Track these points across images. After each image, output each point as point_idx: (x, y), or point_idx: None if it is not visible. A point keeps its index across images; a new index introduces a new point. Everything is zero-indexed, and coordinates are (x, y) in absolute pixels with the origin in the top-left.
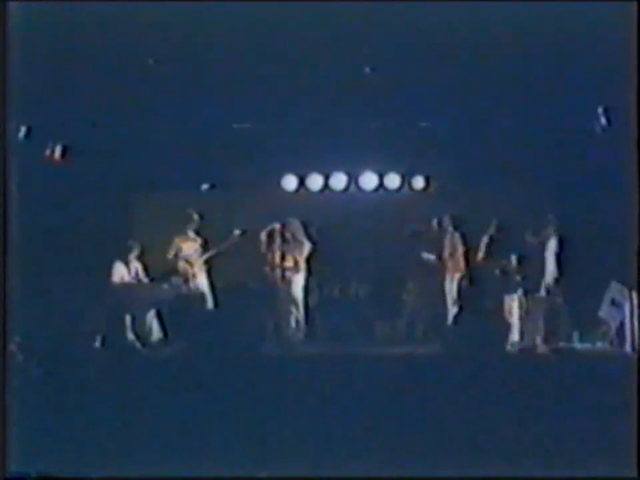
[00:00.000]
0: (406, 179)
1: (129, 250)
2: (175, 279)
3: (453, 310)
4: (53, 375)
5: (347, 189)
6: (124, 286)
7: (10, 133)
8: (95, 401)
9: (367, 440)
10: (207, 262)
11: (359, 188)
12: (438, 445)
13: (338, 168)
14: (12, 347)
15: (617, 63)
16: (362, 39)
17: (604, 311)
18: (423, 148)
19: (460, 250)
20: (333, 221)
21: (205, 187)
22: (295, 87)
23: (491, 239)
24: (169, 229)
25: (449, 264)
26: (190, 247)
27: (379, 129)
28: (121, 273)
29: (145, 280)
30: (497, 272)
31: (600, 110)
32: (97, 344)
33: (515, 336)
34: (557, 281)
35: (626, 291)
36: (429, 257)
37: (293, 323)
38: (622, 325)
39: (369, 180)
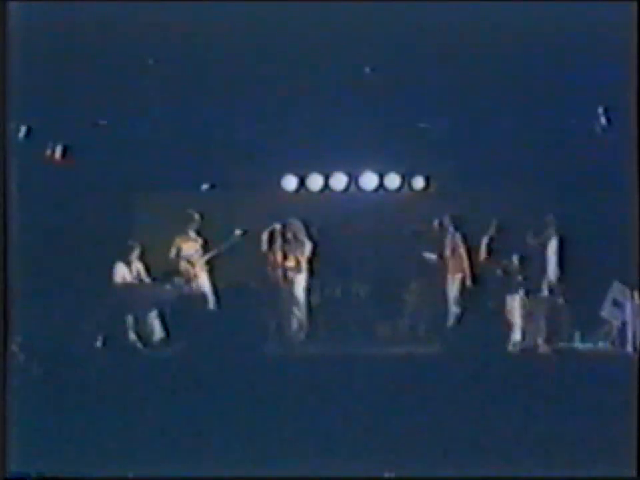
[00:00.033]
0: (406, 179)
1: (130, 250)
2: (177, 279)
3: (454, 310)
4: (53, 375)
5: (347, 189)
6: (125, 286)
7: (10, 133)
8: (96, 401)
9: (368, 440)
10: (208, 262)
11: (359, 188)
12: (439, 445)
13: (338, 168)
14: (13, 347)
15: (617, 63)
16: (362, 39)
17: (606, 311)
18: (423, 148)
19: (461, 250)
20: (334, 221)
21: (205, 187)
22: (295, 87)
23: (491, 239)
24: (169, 229)
25: (450, 264)
26: (191, 247)
27: (379, 129)
28: (122, 273)
29: (147, 280)
30: (499, 272)
31: (600, 110)
32: (99, 344)
33: (516, 336)
34: (558, 281)
35: (628, 291)
36: (431, 256)
37: (295, 323)
38: (624, 325)
39: (369, 180)
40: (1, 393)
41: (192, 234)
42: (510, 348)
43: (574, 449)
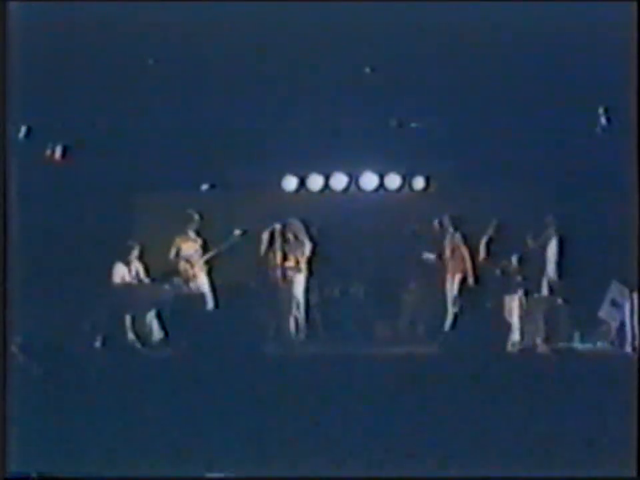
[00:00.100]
0: (406, 179)
1: (129, 250)
2: (176, 279)
3: (453, 310)
4: (53, 375)
5: (347, 189)
6: (124, 286)
7: (10, 133)
8: (96, 401)
9: (367, 440)
10: (207, 262)
11: (359, 188)
12: (438, 445)
13: (338, 168)
14: (13, 347)
15: (617, 62)
16: (362, 39)
17: (604, 311)
18: (423, 148)
19: (462, 250)
20: (333, 222)
21: (204, 187)
22: (295, 87)
23: (491, 239)
24: (169, 229)
25: (450, 264)
26: (190, 247)
27: (379, 129)
28: (121, 273)
29: (146, 280)
30: (498, 272)
31: (600, 110)
32: (98, 344)
33: (515, 336)
34: (557, 281)
35: (626, 291)
36: (429, 256)
37: (294, 323)
38: (622, 325)
39: (369, 180)
40: (1, 393)
41: (192, 234)
42: (509, 348)
43: (574, 449)
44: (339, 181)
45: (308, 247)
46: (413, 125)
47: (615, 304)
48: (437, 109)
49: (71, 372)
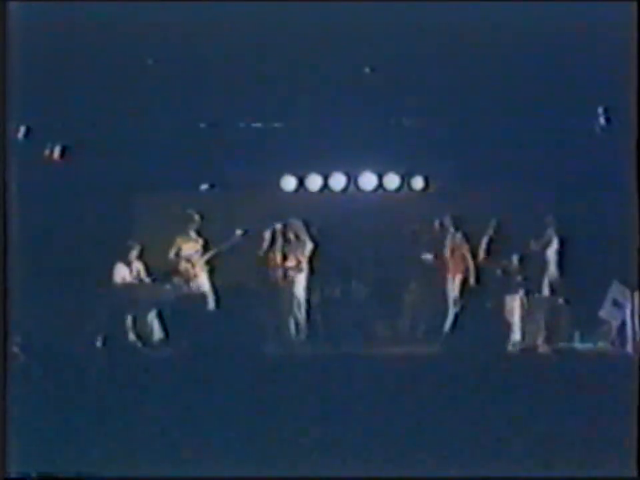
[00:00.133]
0: (405, 179)
1: (129, 250)
2: (177, 279)
3: (453, 310)
4: (54, 375)
5: (346, 189)
6: (125, 286)
7: (10, 133)
8: (96, 401)
9: (367, 440)
10: (208, 262)
11: (358, 188)
12: (438, 445)
13: (337, 168)
14: (13, 347)
15: (617, 62)
16: (362, 39)
17: (605, 311)
18: (423, 148)
19: (461, 250)
20: (333, 222)
21: (204, 187)
22: (294, 87)
23: (491, 239)
24: (169, 230)
25: (450, 264)
26: (191, 247)
27: (379, 129)
28: (122, 273)
29: (147, 280)
30: (498, 272)
31: (600, 110)
32: (99, 344)
33: (516, 336)
34: (558, 281)
35: (627, 291)
36: (427, 257)
37: (294, 323)
38: (623, 325)
39: (368, 180)
40: (1, 393)
41: (192, 234)
42: (509, 348)
43: (574, 449)
44: (338, 181)
45: (309, 247)
46: (406, 123)
47: (615, 304)
48: (436, 108)
49: (72, 372)
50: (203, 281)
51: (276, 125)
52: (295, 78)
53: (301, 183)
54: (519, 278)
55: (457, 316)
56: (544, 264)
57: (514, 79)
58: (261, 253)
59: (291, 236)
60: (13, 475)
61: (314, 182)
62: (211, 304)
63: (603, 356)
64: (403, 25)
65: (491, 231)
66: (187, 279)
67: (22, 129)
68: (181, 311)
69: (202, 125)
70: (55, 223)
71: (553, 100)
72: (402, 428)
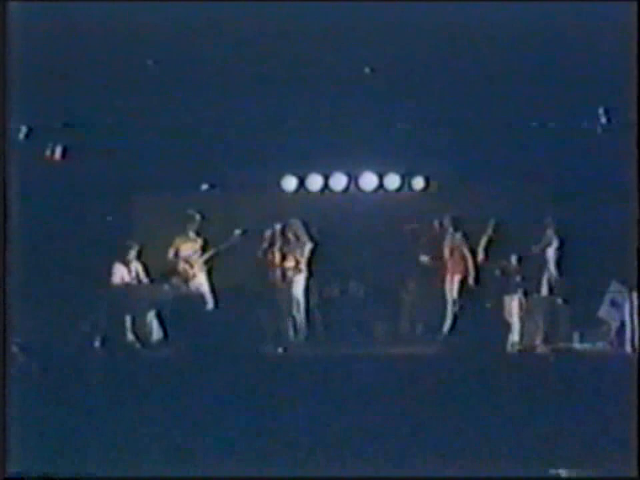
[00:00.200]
0: (406, 179)
1: (128, 250)
2: (175, 280)
3: (453, 310)
4: (53, 374)
5: (346, 189)
6: (124, 286)
7: (10, 133)
8: (95, 401)
9: (367, 440)
10: (206, 262)
11: (358, 188)
12: (438, 445)
13: (338, 168)
14: (13, 347)
15: (617, 62)
16: (362, 39)
17: (604, 311)
18: (423, 148)
19: (464, 250)
20: (333, 222)
21: (204, 187)
22: (294, 87)
23: (490, 239)
24: (169, 230)
25: (449, 264)
26: (190, 247)
27: (380, 129)
28: (121, 273)
29: (145, 280)
30: (497, 272)
31: (600, 110)
32: (97, 344)
33: (515, 336)
34: (557, 281)
35: (626, 291)
36: (424, 259)
37: (293, 324)
38: (622, 325)
39: (368, 180)
40: (1, 393)
41: (191, 234)
42: (509, 348)
43: (574, 449)
44: (339, 181)
45: (308, 247)
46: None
47: (614, 304)
48: (437, 109)
49: (71, 372)
50: (201, 281)
51: (276, 125)
52: (295, 78)
53: (301, 183)
54: (518, 278)
55: (456, 316)
56: (543, 264)
57: (514, 79)
58: (259, 254)
59: (291, 236)
60: (12, 475)
61: (314, 182)
62: (210, 304)
63: (602, 356)
64: (403, 25)
65: (490, 231)
66: (186, 279)
67: (23, 129)
68: (180, 311)
69: (202, 125)
70: (55, 222)
71: (553, 100)
72: (401, 428)
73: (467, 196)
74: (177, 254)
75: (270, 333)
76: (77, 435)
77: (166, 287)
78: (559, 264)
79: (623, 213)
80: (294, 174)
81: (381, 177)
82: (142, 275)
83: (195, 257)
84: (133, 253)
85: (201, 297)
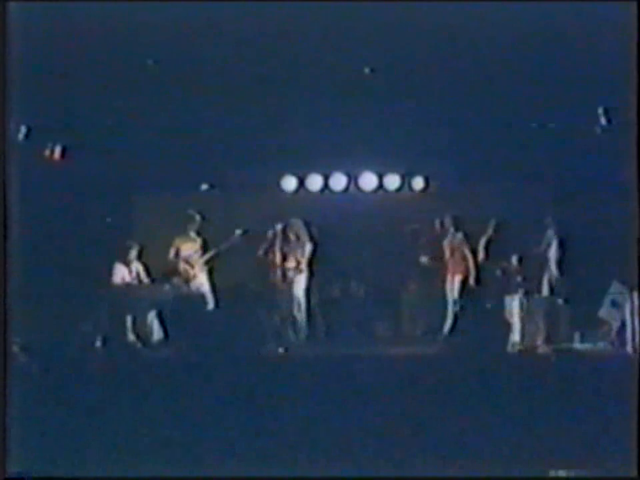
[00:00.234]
0: (406, 179)
1: (128, 249)
2: (176, 280)
3: (453, 310)
4: (53, 375)
5: (346, 189)
6: (125, 286)
7: (10, 133)
8: (95, 401)
9: (367, 440)
10: (207, 262)
11: (358, 188)
12: (438, 445)
13: (337, 168)
14: (13, 347)
15: (617, 62)
16: (362, 39)
17: (604, 312)
18: (423, 148)
19: (465, 250)
20: (333, 222)
21: (204, 187)
22: (294, 87)
23: (490, 239)
24: (169, 230)
25: (450, 264)
26: (190, 247)
27: (379, 129)
28: (121, 273)
29: (146, 280)
30: (498, 272)
31: (600, 110)
32: (98, 344)
33: (515, 336)
34: (557, 281)
35: (627, 291)
36: (425, 259)
37: (294, 324)
38: (623, 325)
39: (368, 180)
40: (1, 393)
41: (192, 234)
42: (509, 348)
43: (574, 449)
44: (339, 181)
45: (309, 247)
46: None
47: (615, 304)
48: (436, 109)
49: (72, 372)
50: (202, 282)
51: (276, 125)
52: (294, 78)
53: (301, 183)
54: (519, 278)
55: (456, 316)
56: (543, 264)
57: (514, 79)
58: (260, 254)
59: (291, 236)
60: (12, 475)
61: (314, 182)
62: (211, 304)
63: (603, 356)
64: (403, 26)
65: (490, 231)
66: (187, 280)
67: (22, 129)
68: (181, 312)
69: (202, 125)
70: (55, 222)
71: (553, 100)
72: (402, 428)
73: (467, 196)
74: (177, 254)
75: (271, 332)
76: (77, 435)
77: (167, 287)
78: (559, 264)
79: (623, 213)
80: (294, 174)
81: (380, 177)
82: (142, 275)
83: (196, 257)
84: (133, 253)
85: (202, 297)
